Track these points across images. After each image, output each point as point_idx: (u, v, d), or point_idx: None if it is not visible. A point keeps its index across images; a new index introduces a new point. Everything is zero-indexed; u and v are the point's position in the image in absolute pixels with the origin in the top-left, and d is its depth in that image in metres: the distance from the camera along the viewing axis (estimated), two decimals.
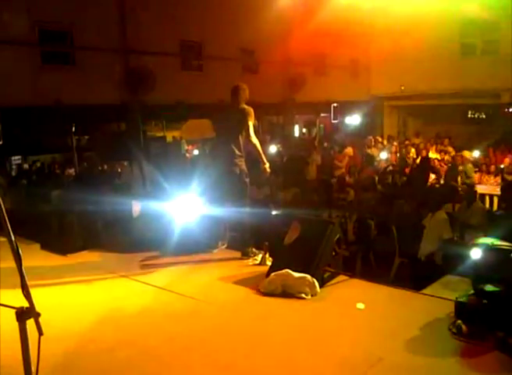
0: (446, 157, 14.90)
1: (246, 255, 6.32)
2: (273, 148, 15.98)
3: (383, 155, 15.14)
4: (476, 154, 13.47)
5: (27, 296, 2.16)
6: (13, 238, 2.13)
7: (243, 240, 6.49)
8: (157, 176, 8.56)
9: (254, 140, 6.24)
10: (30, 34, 12.70)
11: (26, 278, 2.14)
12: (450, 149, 15.93)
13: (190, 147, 17.43)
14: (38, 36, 12.99)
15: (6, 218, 2.11)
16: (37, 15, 12.63)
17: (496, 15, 17.48)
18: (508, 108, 18.52)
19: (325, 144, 17.51)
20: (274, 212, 8.05)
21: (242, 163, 6.33)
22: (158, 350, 3.97)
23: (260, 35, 16.35)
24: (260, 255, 6.16)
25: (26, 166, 14.72)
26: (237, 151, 6.28)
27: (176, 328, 4.40)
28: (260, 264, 5.99)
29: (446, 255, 7.13)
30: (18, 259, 2.14)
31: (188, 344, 4.09)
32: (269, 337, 4.14)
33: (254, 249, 6.35)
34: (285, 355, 3.84)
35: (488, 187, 11.28)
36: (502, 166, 12.68)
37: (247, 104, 6.38)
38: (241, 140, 6.29)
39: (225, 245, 6.67)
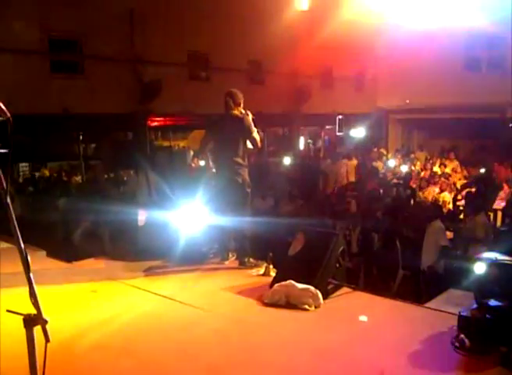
0: (445, 170, 14.91)
1: (243, 264, 6.33)
2: (285, 160, 16.01)
3: (389, 168, 15.15)
4: (482, 170, 13.36)
5: (35, 303, 2.17)
6: (22, 246, 2.15)
7: (241, 249, 6.50)
8: (162, 185, 8.59)
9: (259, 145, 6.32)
10: (40, 43, 12.81)
11: (34, 285, 2.16)
12: (456, 163, 15.93)
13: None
14: (48, 45, 13.09)
15: (16, 225, 2.14)
16: (47, 24, 12.74)
17: (501, 28, 17.50)
18: None
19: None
20: (278, 223, 8.06)
21: (245, 173, 6.34)
22: (161, 359, 3.97)
23: (267, 47, 16.44)
24: (261, 265, 6.17)
25: (37, 174, 14.80)
26: (240, 161, 6.29)
27: (179, 338, 4.41)
28: (264, 275, 6.00)
29: (448, 268, 7.13)
30: (26, 266, 2.16)
31: (191, 353, 4.09)
32: (272, 349, 4.14)
33: (251, 259, 6.35)
34: (287, 366, 3.83)
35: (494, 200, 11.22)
36: None
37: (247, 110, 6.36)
38: (242, 149, 6.29)
39: (234, 257, 6.66)
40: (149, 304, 5.27)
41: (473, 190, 11.09)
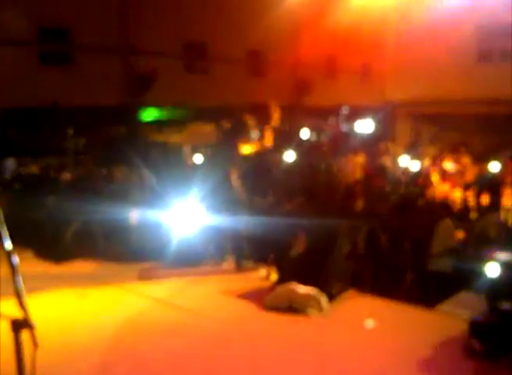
0: (460, 167, 14.88)
1: (239, 267, 6.35)
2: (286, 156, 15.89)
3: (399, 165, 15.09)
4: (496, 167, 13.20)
5: (23, 307, 2.17)
6: (10, 247, 2.15)
7: (238, 251, 6.52)
8: (156, 182, 8.58)
9: None
10: (29, 33, 12.78)
11: (22, 289, 2.16)
12: (467, 159, 15.89)
13: None
14: (37, 34, 13.06)
15: (5, 229, 2.14)
16: (36, 13, 12.71)
17: None
18: None
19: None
20: (279, 223, 8.05)
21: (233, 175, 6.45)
22: (155, 365, 3.98)
23: (268, 36, 16.37)
24: (260, 268, 6.19)
25: (24, 169, 14.78)
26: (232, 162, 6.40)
27: (174, 342, 4.41)
28: (265, 277, 6.00)
29: (460, 269, 7.12)
30: (14, 270, 2.15)
31: (187, 359, 4.09)
32: (274, 354, 4.14)
33: (249, 262, 6.37)
34: (290, 372, 3.83)
35: (505, 199, 11.21)
36: None
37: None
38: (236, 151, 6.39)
39: (232, 259, 6.68)
40: (143, 308, 5.28)
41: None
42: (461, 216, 9.61)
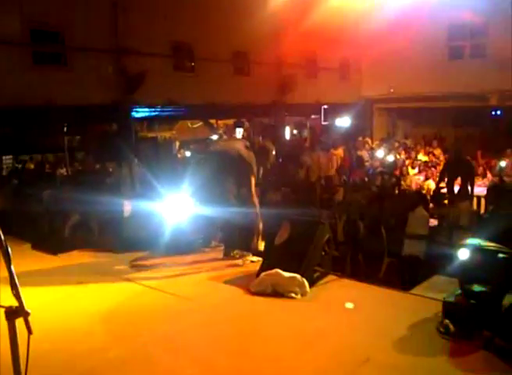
0: (434, 159, 15.00)
1: (227, 255, 6.34)
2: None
3: (377, 157, 15.16)
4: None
5: (17, 295, 2.13)
6: (2, 237, 2.11)
7: (227, 241, 6.51)
8: (147, 176, 8.54)
9: None
10: (22, 34, 12.59)
11: (15, 277, 2.12)
12: (438, 151, 16.02)
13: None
14: (30, 36, 12.87)
15: None
16: (29, 14, 12.52)
17: (483, 18, 17.60)
18: (495, 111, 18.63)
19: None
20: (264, 213, 8.04)
21: None
22: (148, 349, 3.96)
23: (252, 37, 16.34)
24: (246, 257, 6.19)
25: (20, 166, 14.63)
26: None
27: (166, 327, 4.39)
28: (250, 264, 6.00)
29: (433, 254, 7.17)
30: (7, 258, 2.12)
31: (178, 343, 4.09)
32: (259, 337, 4.15)
33: (237, 251, 6.35)
34: (274, 354, 3.84)
35: (476, 188, 11.32)
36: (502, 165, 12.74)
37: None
38: None
39: (219, 245, 6.67)
40: (136, 295, 5.25)
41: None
42: (434, 204, 9.68)
